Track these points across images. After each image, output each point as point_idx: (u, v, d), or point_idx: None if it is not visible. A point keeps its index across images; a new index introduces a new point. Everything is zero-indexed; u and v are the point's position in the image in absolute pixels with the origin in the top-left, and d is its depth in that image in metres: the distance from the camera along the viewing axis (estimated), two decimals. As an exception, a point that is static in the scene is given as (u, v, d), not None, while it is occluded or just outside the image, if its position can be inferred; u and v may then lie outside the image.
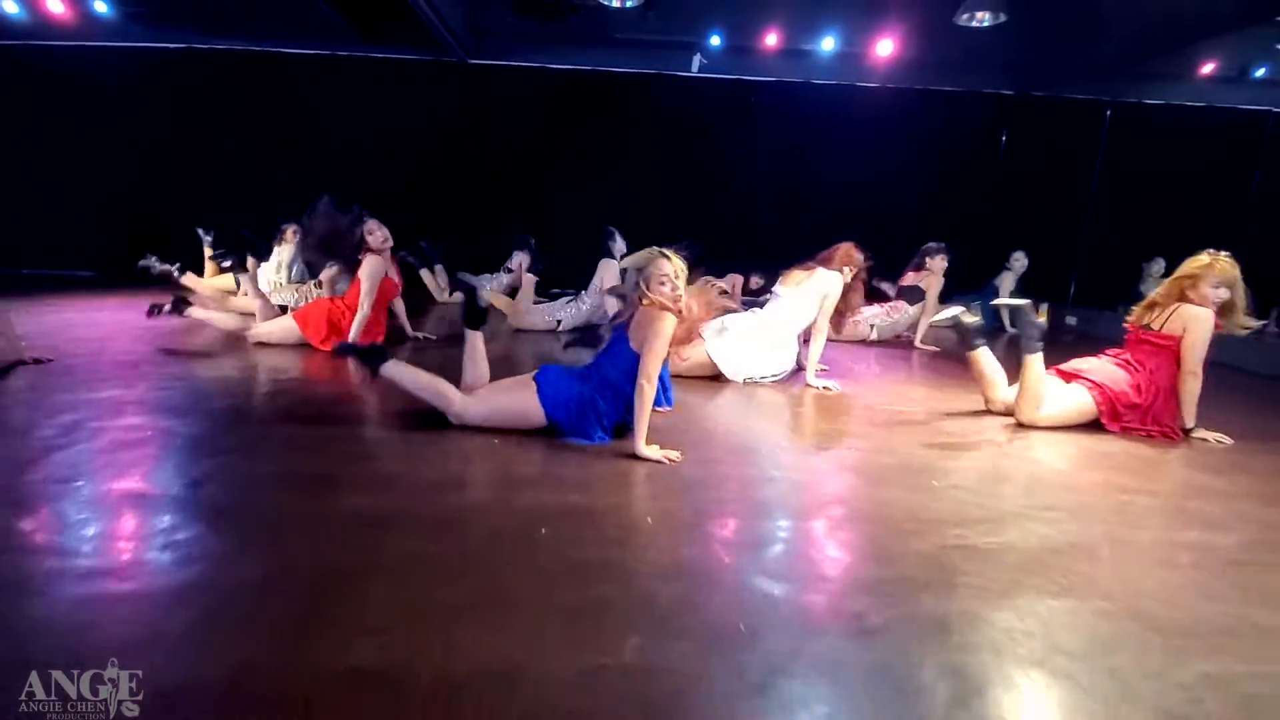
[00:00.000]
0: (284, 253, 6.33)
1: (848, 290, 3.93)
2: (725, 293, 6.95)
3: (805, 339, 3.98)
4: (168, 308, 4.11)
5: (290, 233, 6.66)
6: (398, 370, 2.70)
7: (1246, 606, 1.62)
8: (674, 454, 2.45)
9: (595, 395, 2.60)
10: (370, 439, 2.65)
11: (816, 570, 1.76)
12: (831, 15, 7.22)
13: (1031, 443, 2.94)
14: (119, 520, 1.83)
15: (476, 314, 2.83)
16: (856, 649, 1.38)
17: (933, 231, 6.83)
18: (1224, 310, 3.08)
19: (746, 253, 8.01)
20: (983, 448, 2.85)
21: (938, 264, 5.38)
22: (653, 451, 2.43)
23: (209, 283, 6.46)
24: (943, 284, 5.44)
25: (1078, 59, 7.30)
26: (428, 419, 2.70)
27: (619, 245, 5.59)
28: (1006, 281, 6.72)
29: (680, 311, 2.53)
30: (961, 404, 3.51)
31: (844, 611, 1.52)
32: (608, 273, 5.49)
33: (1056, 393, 3.20)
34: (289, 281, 6.11)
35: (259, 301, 4.46)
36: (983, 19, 6.14)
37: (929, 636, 1.42)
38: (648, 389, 2.44)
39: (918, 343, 5.38)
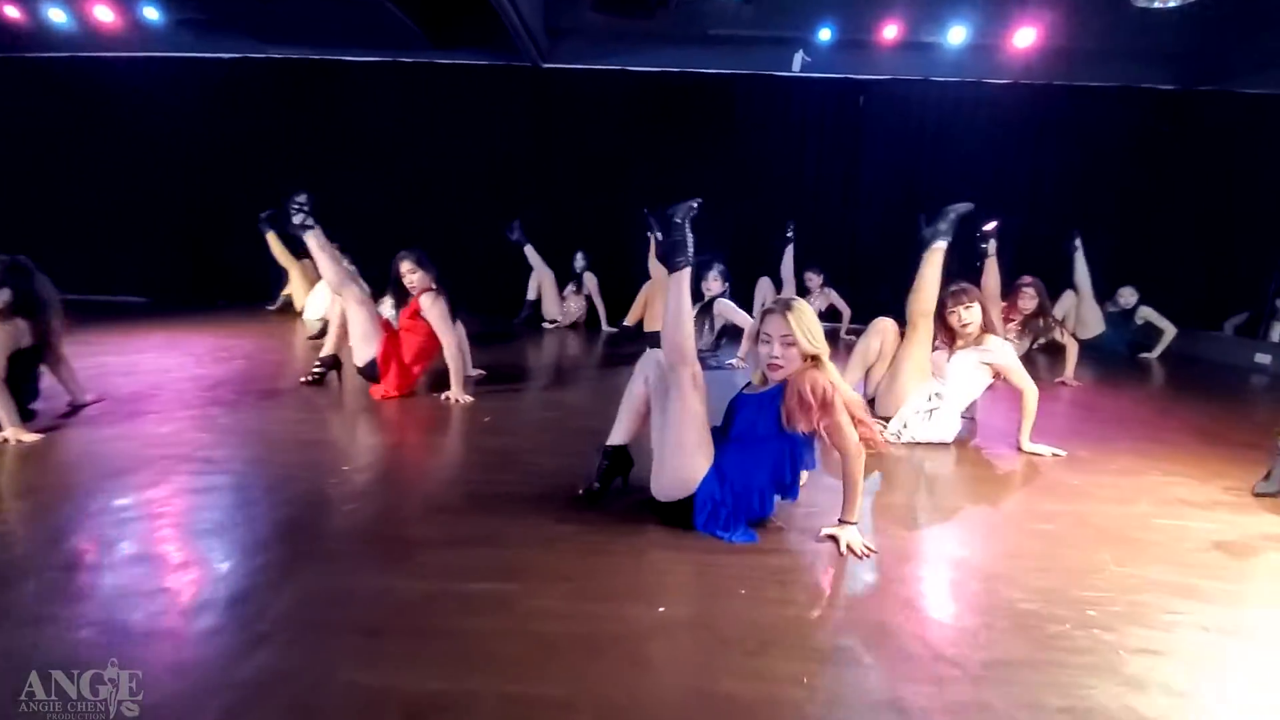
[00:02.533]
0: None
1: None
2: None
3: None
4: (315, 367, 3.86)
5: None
6: None
7: None
8: (869, 546, 2.01)
9: (739, 494, 2.04)
10: (522, 549, 1.84)
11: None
12: (963, 2, 6.21)
13: None
14: None
15: None
16: None
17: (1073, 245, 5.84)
18: None
19: (853, 269, 7.08)
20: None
21: (1026, 302, 4.90)
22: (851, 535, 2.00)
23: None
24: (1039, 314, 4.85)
25: (1261, 47, 6.12)
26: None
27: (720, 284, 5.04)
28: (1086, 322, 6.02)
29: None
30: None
31: None
32: (735, 316, 4.95)
33: None
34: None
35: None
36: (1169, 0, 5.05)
37: None
38: (857, 463, 1.98)
39: (1069, 380, 4.87)
